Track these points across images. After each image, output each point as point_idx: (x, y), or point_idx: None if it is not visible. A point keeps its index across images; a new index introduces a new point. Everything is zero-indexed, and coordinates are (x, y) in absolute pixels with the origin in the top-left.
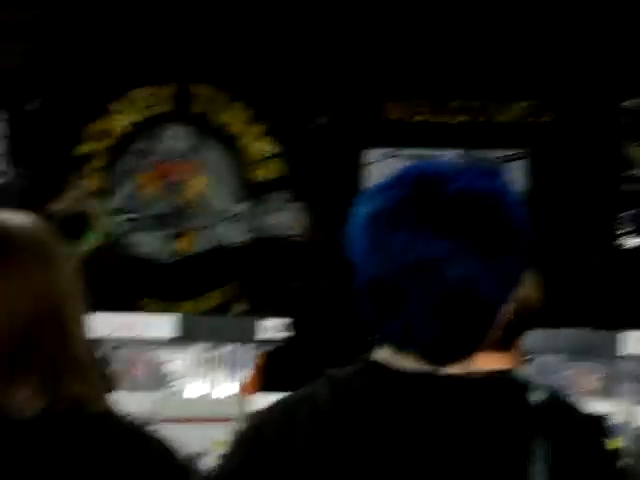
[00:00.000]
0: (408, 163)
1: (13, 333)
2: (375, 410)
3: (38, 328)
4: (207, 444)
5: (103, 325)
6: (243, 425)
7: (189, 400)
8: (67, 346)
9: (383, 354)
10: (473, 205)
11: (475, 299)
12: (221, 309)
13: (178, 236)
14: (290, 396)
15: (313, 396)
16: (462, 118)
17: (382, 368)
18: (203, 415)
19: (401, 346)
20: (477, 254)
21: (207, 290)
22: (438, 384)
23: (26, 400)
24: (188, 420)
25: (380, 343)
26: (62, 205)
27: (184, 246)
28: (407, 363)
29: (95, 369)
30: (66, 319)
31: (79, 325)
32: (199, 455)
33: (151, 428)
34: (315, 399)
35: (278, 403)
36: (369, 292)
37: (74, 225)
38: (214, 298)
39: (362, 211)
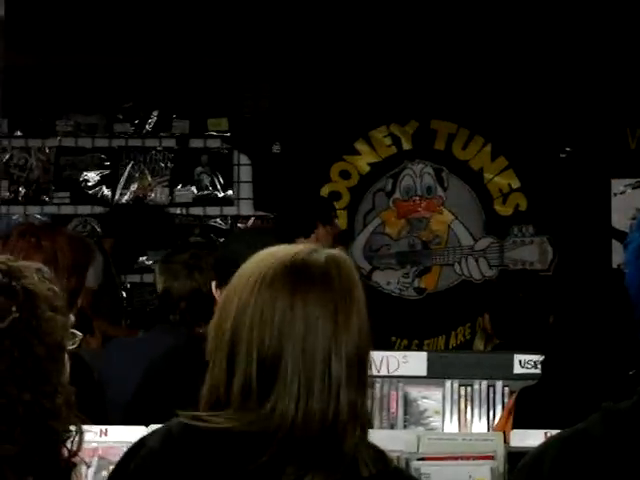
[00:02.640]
0: None
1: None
2: None
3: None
4: None
5: None
6: (502, 463)
7: (446, 437)
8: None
9: None
10: None
11: None
12: (469, 345)
13: (422, 273)
14: (564, 432)
15: (587, 431)
16: None
17: None
18: (461, 452)
19: None
20: None
21: (455, 326)
22: None
23: None
24: (446, 457)
25: None
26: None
27: (428, 283)
28: None
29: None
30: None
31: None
32: None
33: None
34: (590, 434)
35: (553, 440)
36: None
37: None
38: (462, 334)
39: (635, 241)
